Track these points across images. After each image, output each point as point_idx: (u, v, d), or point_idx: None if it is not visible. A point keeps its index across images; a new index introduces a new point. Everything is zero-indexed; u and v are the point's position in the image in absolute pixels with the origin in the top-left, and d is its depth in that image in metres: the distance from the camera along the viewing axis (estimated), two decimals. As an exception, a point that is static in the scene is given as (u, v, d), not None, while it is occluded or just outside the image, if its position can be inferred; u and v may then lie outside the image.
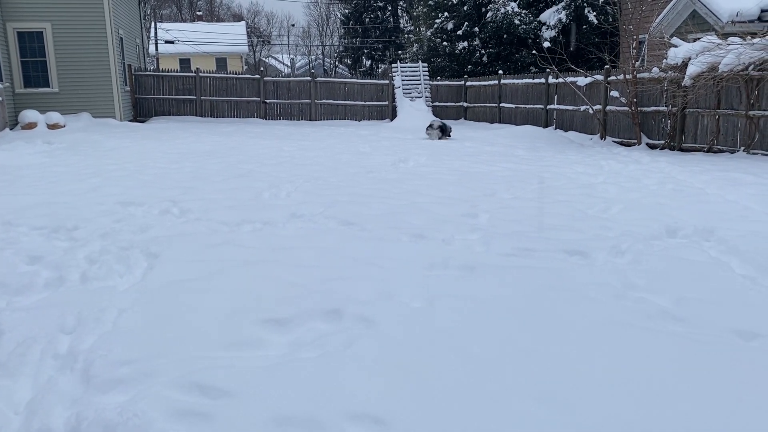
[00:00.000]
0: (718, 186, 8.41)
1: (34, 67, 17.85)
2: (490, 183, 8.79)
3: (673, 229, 5.94)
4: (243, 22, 56.54)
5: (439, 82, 24.71)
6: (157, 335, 3.46)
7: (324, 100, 23.12)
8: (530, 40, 24.79)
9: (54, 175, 9.14)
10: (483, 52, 26.73)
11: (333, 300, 3.96)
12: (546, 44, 16.84)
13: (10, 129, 16.26)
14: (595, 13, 24.75)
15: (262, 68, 38.68)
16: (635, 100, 13.79)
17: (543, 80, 18.65)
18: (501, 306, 3.94)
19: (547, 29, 24.86)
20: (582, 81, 16.15)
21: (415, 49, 30.64)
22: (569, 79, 16.82)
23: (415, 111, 22.56)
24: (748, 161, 10.69)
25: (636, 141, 13.97)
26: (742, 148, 11.58)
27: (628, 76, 13.87)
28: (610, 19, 22.32)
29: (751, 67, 11.19)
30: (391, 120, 23.20)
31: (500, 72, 22.56)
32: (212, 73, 22.97)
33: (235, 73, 23.59)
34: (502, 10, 25.16)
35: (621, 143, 14.53)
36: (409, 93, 23.58)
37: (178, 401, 2.75)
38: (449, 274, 4.60)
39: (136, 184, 8.32)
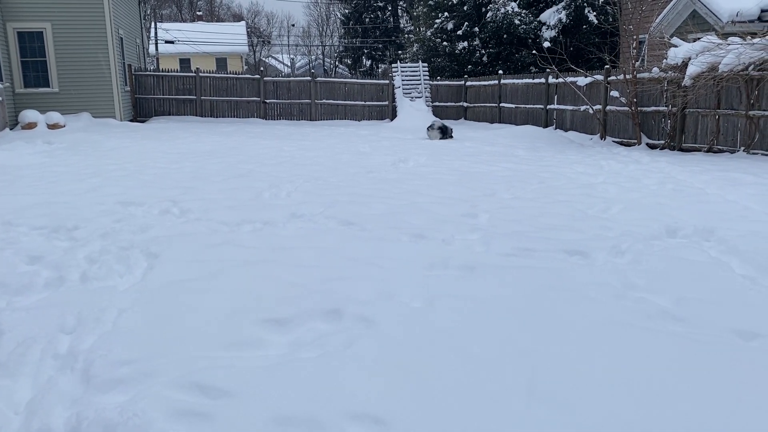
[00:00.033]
0: (718, 186, 8.41)
1: (34, 67, 17.85)
2: (490, 183, 8.79)
3: (673, 229, 5.94)
4: (243, 22, 56.55)
5: (439, 82, 24.71)
6: (157, 335, 3.46)
7: (324, 100, 23.12)
8: (530, 40, 24.79)
9: (54, 175, 9.14)
10: (483, 52, 26.72)
11: (333, 300, 3.96)
12: (546, 44, 16.83)
13: (10, 129, 16.26)
14: (595, 13, 24.75)
15: (262, 68, 38.69)
16: (635, 100, 13.79)
17: (543, 80, 18.65)
18: (501, 306, 3.94)
19: (547, 29, 24.86)
20: (582, 81, 16.15)
21: (415, 49, 30.62)
22: (569, 79, 16.82)
23: (415, 111, 22.56)
24: (748, 161, 10.69)
25: (636, 141, 13.97)
26: (742, 148, 11.58)
27: (628, 76, 13.87)
28: (610, 19, 22.33)
29: (751, 67, 11.19)
30: (391, 120, 23.20)
31: (500, 72, 22.56)
32: (212, 73, 22.97)
33: (235, 73, 23.59)
34: (502, 10, 25.16)
35: (621, 143, 14.53)
36: (409, 93, 23.58)
37: (178, 401, 2.75)
38: (449, 274, 4.60)
39: (136, 184, 8.32)
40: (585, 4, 24.77)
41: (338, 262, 4.85)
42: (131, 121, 20.57)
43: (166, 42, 43.32)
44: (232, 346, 3.34)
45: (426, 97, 23.66)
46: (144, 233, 5.71)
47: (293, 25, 72.78)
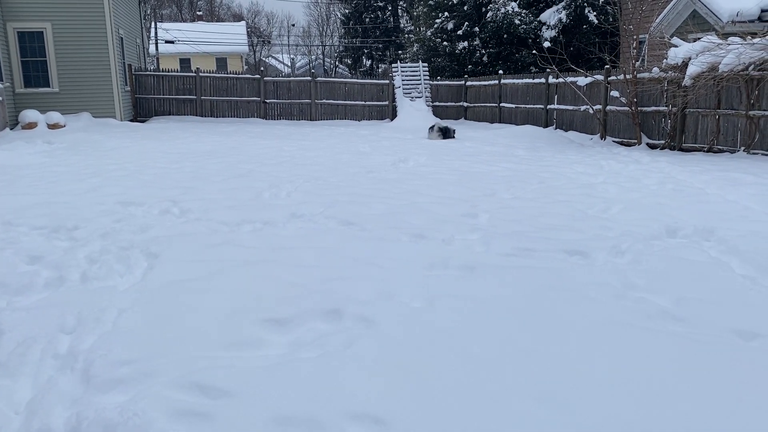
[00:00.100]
0: (718, 186, 8.41)
1: (35, 67, 17.86)
2: (490, 183, 8.79)
3: (673, 229, 5.94)
4: (243, 22, 56.54)
5: (440, 82, 24.71)
6: (157, 335, 3.46)
7: (324, 100, 23.12)
8: (530, 40, 24.79)
9: (54, 174, 9.14)
10: (483, 52, 26.72)
11: (333, 300, 3.96)
12: (546, 44, 16.83)
13: (11, 129, 16.26)
14: (595, 13, 24.75)
15: (262, 68, 38.69)
16: (635, 100, 13.79)
17: (543, 80, 18.64)
18: (501, 306, 3.94)
19: (547, 29, 24.86)
20: (582, 81, 16.15)
21: (415, 49, 30.62)
22: (569, 79, 16.81)
23: (415, 111, 22.56)
24: (749, 161, 10.69)
25: (636, 141, 13.97)
26: (743, 148, 11.58)
27: (628, 76, 13.87)
28: (611, 19, 22.32)
29: (752, 67, 11.19)
30: (392, 120, 23.20)
31: (500, 72, 22.55)
32: (212, 73, 22.97)
33: (236, 73, 23.59)
34: (503, 10, 25.16)
35: (621, 143, 14.53)
36: (410, 93, 23.58)
37: (178, 401, 2.75)
38: (449, 274, 4.60)
39: (136, 184, 8.32)
40: (585, 4, 24.76)
41: (338, 262, 4.85)
42: (131, 121, 20.57)
43: (167, 42, 43.32)
44: (232, 346, 3.34)
45: (426, 97, 23.66)
46: (144, 233, 5.71)
47: (293, 25, 72.84)
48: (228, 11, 73.11)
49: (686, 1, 15.95)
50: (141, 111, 21.85)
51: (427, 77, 24.12)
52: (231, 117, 22.45)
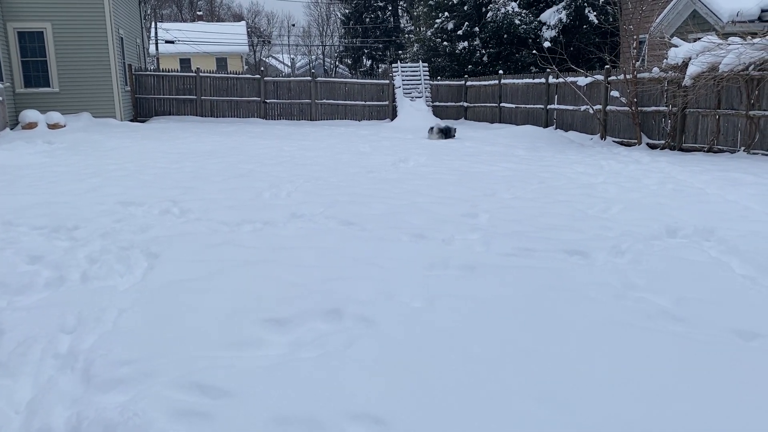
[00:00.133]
0: (718, 186, 8.41)
1: (35, 67, 17.86)
2: (491, 183, 8.80)
3: (673, 229, 5.94)
4: (243, 22, 56.54)
5: (440, 82, 24.71)
6: (157, 335, 3.46)
7: (324, 100, 23.12)
8: (530, 40, 24.79)
9: (54, 174, 9.14)
10: (483, 52, 26.72)
11: (333, 300, 3.96)
12: (546, 44, 16.84)
13: (11, 129, 16.26)
14: (595, 13, 24.75)
15: (262, 68, 38.69)
16: (635, 100, 13.79)
17: (543, 80, 18.64)
18: (501, 306, 3.94)
19: (547, 29, 24.86)
20: (582, 81, 16.15)
21: (415, 49, 30.62)
22: (569, 79, 16.81)
23: (415, 111, 22.56)
24: (749, 161, 10.69)
25: (636, 141, 13.97)
26: (743, 148, 11.58)
27: (628, 76, 13.87)
28: (611, 19, 22.32)
29: (752, 67, 11.19)
30: (392, 120, 23.20)
31: (500, 72, 22.55)
32: (212, 73, 22.97)
33: (236, 73, 23.58)
34: (503, 10, 25.16)
35: (621, 143, 14.53)
36: (410, 93, 23.58)
37: (179, 401, 2.75)
38: (449, 274, 4.60)
39: (136, 184, 8.32)
40: (585, 4, 24.77)
41: (338, 262, 4.85)
42: (131, 121, 20.57)
43: (167, 42, 43.32)
44: (232, 346, 3.34)
45: (426, 97, 23.66)
46: (144, 233, 5.71)
47: (293, 25, 72.81)
48: (228, 11, 73.15)
49: (686, 1, 15.95)
50: (141, 111, 21.85)
51: (427, 77, 24.12)
52: (231, 117, 22.45)
